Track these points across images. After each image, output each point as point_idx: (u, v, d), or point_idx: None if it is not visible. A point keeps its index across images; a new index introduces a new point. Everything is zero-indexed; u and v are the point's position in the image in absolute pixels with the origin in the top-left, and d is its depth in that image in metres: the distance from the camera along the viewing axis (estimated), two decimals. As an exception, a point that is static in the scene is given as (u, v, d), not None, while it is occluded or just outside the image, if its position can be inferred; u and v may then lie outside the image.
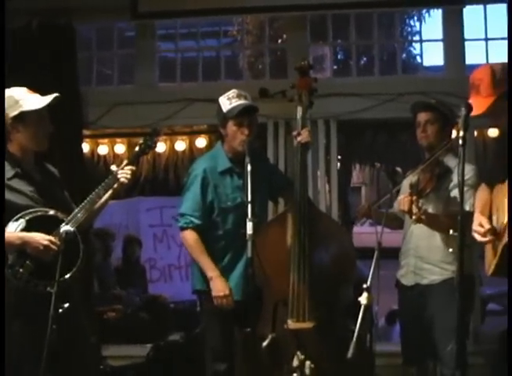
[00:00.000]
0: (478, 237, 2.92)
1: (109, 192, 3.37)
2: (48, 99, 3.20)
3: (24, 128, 3.17)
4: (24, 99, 3.17)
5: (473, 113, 2.70)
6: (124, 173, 3.37)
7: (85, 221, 3.27)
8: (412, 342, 3.84)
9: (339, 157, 6.02)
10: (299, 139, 3.72)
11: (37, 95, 3.24)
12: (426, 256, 3.75)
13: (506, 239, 2.76)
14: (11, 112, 3.14)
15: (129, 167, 3.40)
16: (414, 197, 3.35)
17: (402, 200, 3.47)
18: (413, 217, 3.34)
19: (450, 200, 3.61)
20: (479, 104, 2.89)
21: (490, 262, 2.97)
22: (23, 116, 3.15)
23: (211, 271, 3.60)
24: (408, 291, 3.84)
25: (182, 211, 3.76)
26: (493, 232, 2.87)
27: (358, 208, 4.09)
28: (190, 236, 3.71)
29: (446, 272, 3.68)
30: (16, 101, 3.16)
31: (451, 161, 3.70)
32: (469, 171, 3.49)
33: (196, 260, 3.71)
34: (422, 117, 3.83)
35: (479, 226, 2.90)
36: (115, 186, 3.36)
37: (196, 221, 3.71)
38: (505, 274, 2.84)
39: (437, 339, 3.65)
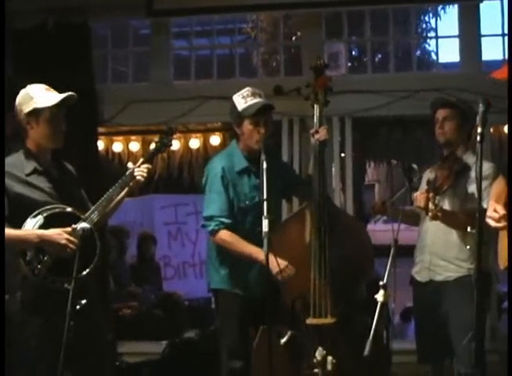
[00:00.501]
0: (492, 223, 2.88)
1: (125, 189, 3.38)
2: (60, 96, 3.21)
3: (37, 124, 3.18)
4: (39, 96, 3.18)
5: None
6: (140, 171, 3.38)
7: (102, 218, 3.29)
8: (426, 340, 3.83)
9: (353, 154, 6.00)
10: (317, 136, 3.70)
11: (55, 93, 3.25)
12: (441, 253, 3.73)
13: None
14: (25, 108, 3.16)
15: (145, 165, 3.41)
16: (431, 194, 3.33)
17: (419, 197, 3.45)
18: (429, 214, 3.33)
19: (468, 197, 3.59)
20: None
21: (503, 254, 2.95)
22: (36, 112, 3.16)
23: (262, 254, 3.34)
24: (422, 288, 3.82)
25: (211, 214, 3.65)
26: (507, 218, 2.85)
27: (372, 205, 4.08)
28: (226, 235, 3.62)
29: (462, 269, 3.67)
30: (30, 97, 3.18)
31: (470, 158, 3.67)
32: (488, 168, 3.46)
33: (241, 254, 3.58)
34: (440, 113, 3.81)
35: (494, 212, 2.88)
36: (131, 183, 3.37)
37: (227, 220, 3.63)
38: None
39: (452, 336, 3.64)
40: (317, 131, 3.70)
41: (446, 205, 3.64)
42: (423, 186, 3.65)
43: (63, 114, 3.24)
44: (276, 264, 3.42)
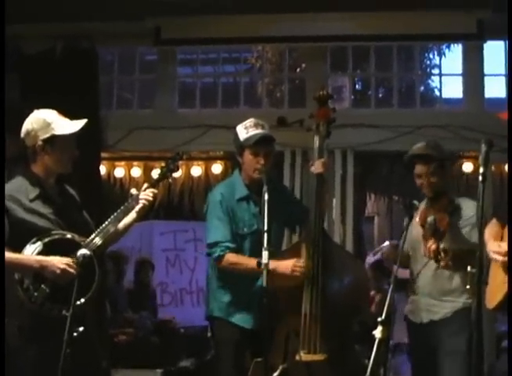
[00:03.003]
0: (499, 257, 2.90)
1: (134, 215, 3.38)
2: (79, 124, 3.23)
3: (53, 151, 3.18)
4: (56, 123, 3.19)
5: None
6: (145, 195, 3.38)
7: (107, 243, 3.28)
8: None
9: (354, 187, 6.01)
10: (312, 169, 3.74)
11: (67, 120, 3.27)
12: (435, 294, 3.71)
13: None
14: (42, 134, 3.16)
15: (151, 189, 3.42)
16: (440, 245, 3.33)
17: (429, 249, 3.45)
18: (441, 263, 3.33)
19: (461, 238, 3.58)
20: None
21: (493, 294, 2.97)
22: (54, 139, 3.17)
23: (265, 258, 3.26)
24: (420, 328, 3.79)
25: (214, 240, 3.65)
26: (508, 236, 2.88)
27: (385, 252, 4.02)
28: (232, 257, 3.61)
29: (458, 303, 3.66)
30: (48, 124, 3.18)
31: (460, 201, 3.70)
32: (474, 208, 3.44)
33: (251, 270, 3.50)
34: (420, 170, 3.72)
35: (499, 248, 2.91)
36: (138, 208, 3.36)
37: (231, 245, 3.63)
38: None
39: (448, 370, 3.60)
40: (313, 164, 3.73)
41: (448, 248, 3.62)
42: (419, 230, 3.64)
43: (75, 140, 3.27)
44: (285, 266, 3.46)
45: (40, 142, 3.17)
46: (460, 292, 3.62)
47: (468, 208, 3.61)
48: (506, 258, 2.88)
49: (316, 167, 3.71)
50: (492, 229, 3.15)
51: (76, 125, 3.22)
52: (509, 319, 3.04)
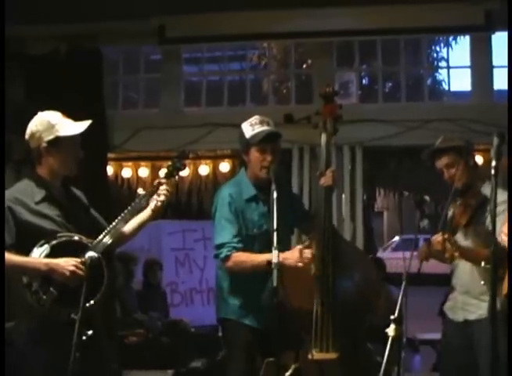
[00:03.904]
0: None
1: (149, 213, 3.35)
2: (83, 125, 3.20)
3: (57, 152, 3.16)
4: (60, 124, 3.17)
5: None
6: (162, 191, 3.34)
7: (116, 244, 3.27)
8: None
9: (363, 182, 5.97)
10: (322, 181, 3.63)
11: (71, 121, 3.24)
12: (471, 291, 3.65)
13: None
14: (46, 136, 3.14)
15: (165, 187, 3.38)
16: (446, 235, 3.26)
17: (435, 241, 3.39)
18: (446, 255, 3.27)
19: (488, 232, 3.49)
20: None
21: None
22: (58, 141, 3.15)
23: (275, 257, 3.21)
24: (456, 327, 3.73)
25: (222, 241, 3.61)
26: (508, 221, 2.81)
27: (420, 252, 3.90)
28: (238, 255, 3.57)
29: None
30: (52, 125, 3.16)
31: (487, 188, 3.54)
32: (503, 200, 3.35)
33: (258, 266, 3.45)
34: (440, 163, 3.69)
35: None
36: (154, 206, 3.33)
37: (239, 245, 3.59)
38: None
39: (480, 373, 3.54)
40: (322, 174, 3.64)
41: (469, 241, 3.55)
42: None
43: (79, 142, 3.24)
44: (291, 256, 3.40)
45: (44, 144, 3.14)
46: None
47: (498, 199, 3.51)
48: None
49: (326, 180, 3.62)
50: None
51: (80, 127, 3.19)
52: (509, 318, 2.98)
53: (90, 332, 2.89)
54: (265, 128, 3.69)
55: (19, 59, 5.62)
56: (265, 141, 3.64)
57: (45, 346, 2.98)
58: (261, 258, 3.44)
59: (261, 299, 3.53)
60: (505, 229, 2.93)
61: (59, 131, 3.15)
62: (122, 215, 3.27)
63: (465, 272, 3.62)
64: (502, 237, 2.90)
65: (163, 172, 3.51)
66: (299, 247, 3.50)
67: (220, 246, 3.62)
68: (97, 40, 5.74)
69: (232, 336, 3.72)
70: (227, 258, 3.59)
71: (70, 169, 3.23)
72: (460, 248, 3.34)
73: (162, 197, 3.34)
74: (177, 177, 3.55)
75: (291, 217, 3.80)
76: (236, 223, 3.64)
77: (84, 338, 2.83)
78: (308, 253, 3.45)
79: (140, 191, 3.42)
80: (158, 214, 3.41)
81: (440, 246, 3.32)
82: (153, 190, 3.38)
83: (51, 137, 3.14)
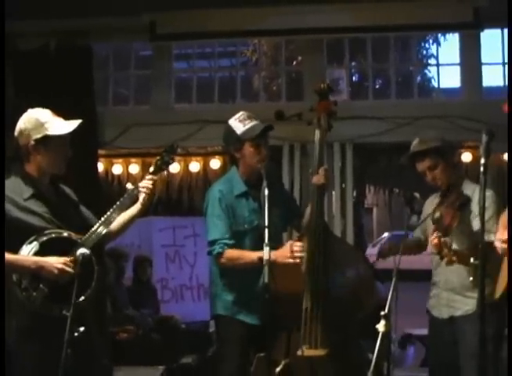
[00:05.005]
0: (503, 246, 2.89)
1: (139, 207, 3.36)
2: (72, 125, 3.18)
3: (46, 151, 3.15)
4: (49, 123, 3.15)
5: None
6: (145, 183, 3.34)
7: (109, 238, 3.30)
8: (441, 372, 3.76)
9: (354, 179, 5.99)
10: (315, 180, 3.64)
11: (61, 119, 3.22)
12: (456, 288, 3.66)
13: None
14: (35, 134, 3.12)
15: (149, 177, 3.37)
16: (443, 239, 3.27)
17: (431, 242, 3.40)
18: (445, 259, 3.28)
19: (472, 232, 3.51)
20: None
21: (501, 285, 2.93)
22: (47, 140, 3.13)
23: (266, 254, 3.22)
24: (441, 324, 3.74)
25: (214, 238, 3.63)
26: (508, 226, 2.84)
27: (382, 250, 3.93)
28: (230, 252, 3.60)
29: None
30: (41, 123, 3.14)
31: (468, 189, 3.62)
32: (487, 197, 3.39)
33: (250, 262, 3.49)
34: (421, 166, 3.68)
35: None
36: (142, 199, 3.33)
37: (230, 241, 3.62)
38: None
39: (464, 368, 3.56)
40: (315, 173, 3.65)
41: (454, 243, 3.57)
42: (429, 224, 3.59)
43: (68, 141, 3.23)
44: (283, 253, 3.42)
45: (32, 142, 3.13)
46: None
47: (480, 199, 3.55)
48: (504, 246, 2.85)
49: (318, 178, 3.63)
50: (505, 218, 3.09)
51: (70, 126, 3.18)
52: (509, 318, 3.01)
53: (82, 328, 2.90)
54: (256, 122, 3.70)
55: (9, 54, 5.59)
56: (260, 136, 3.65)
57: (36, 343, 2.98)
58: (253, 255, 3.47)
59: (254, 295, 3.55)
60: (502, 235, 2.94)
61: (48, 129, 3.13)
62: (111, 210, 3.27)
63: (450, 270, 3.59)
64: (502, 245, 2.91)
65: (152, 167, 3.50)
66: (290, 242, 3.53)
67: (212, 242, 3.64)
68: (87, 36, 5.72)
69: (226, 332, 3.73)
70: (219, 254, 3.61)
71: (58, 168, 3.22)
72: (457, 253, 3.34)
73: (147, 190, 3.32)
74: (165, 171, 3.55)
75: (283, 214, 3.81)
76: (227, 220, 3.65)
77: (75, 334, 2.84)
78: (298, 248, 3.47)
79: (129, 186, 3.41)
80: (147, 207, 3.41)
81: (436, 248, 3.34)
82: (141, 185, 3.37)
83: (39, 135, 3.12)
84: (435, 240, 3.33)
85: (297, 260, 3.45)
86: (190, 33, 5.70)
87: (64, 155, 3.21)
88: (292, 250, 3.46)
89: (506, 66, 5.66)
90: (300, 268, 3.55)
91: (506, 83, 5.68)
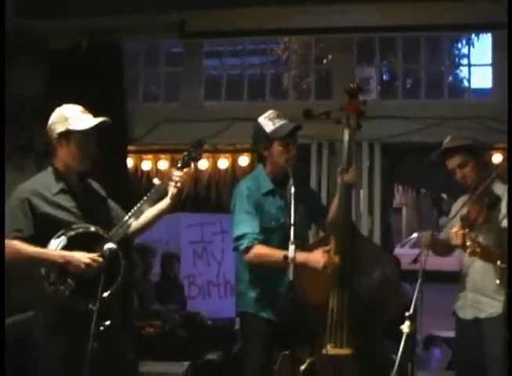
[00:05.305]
0: None
1: (168, 201, 3.37)
2: (93, 121, 3.22)
3: (67, 146, 3.19)
4: (73, 118, 3.19)
5: None
6: (175, 177, 3.34)
7: (137, 233, 3.35)
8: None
9: (382, 179, 5.97)
10: (345, 178, 3.65)
11: (89, 116, 3.26)
12: (482, 289, 3.62)
13: None
14: (58, 128, 3.17)
15: (177, 173, 3.36)
16: (467, 230, 3.25)
17: (455, 234, 3.38)
18: (468, 250, 3.26)
19: (502, 231, 3.49)
20: None
21: None
22: (69, 134, 3.18)
23: (301, 255, 3.30)
24: (466, 325, 3.71)
25: (243, 232, 3.60)
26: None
27: (422, 240, 3.91)
28: (259, 248, 3.57)
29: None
30: (65, 118, 3.19)
31: (499, 189, 3.59)
32: None
33: (274, 262, 3.46)
34: (451, 163, 3.67)
35: None
36: (171, 195, 3.34)
37: (260, 237, 3.60)
38: None
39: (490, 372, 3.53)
40: (344, 171, 3.65)
41: (482, 240, 3.54)
42: (456, 221, 3.56)
43: (94, 138, 3.25)
44: (316, 259, 3.39)
45: (55, 136, 3.18)
46: None
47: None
48: None
49: (349, 177, 3.64)
50: None
51: (91, 122, 3.20)
52: (509, 318, 2.97)
53: (107, 322, 2.93)
54: (285, 121, 3.70)
55: (42, 52, 5.67)
56: (290, 135, 3.65)
57: (62, 336, 3.02)
58: (280, 254, 3.40)
59: (279, 293, 3.56)
60: None
61: (71, 124, 3.17)
62: (138, 205, 3.29)
63: (476, 271, 3.60)
64: None
65: (179, 162, 3.51)
66: (324, 248, 3.47)
67: (240, 237, 3.61)
68: (118, 34, 5.78)
69: (250, 329, 3.75)
70: (248, 249, 3.59)
71: (82, 164, 3.24)
72: (481, 246, 3.31)
73: (178, 184, 3.34)
74: (194, 168, 3.56)
75: (309, 212, 3.81)
76: (256, 216, 3.65)
77: (101, 328, 2.87)
78: (332, 257, 3.43)
79: (156, 181, 3.42)
80: (177, 202, 3.42)
81: (460, 240, 3.31)
82: (169, 180, 3.38)
83: (61, 129, 3.17)
84: (460, 232, 3.30)
85: (328, 271, 3.41)
86: (219, 31, 5.73)
87: (87, 152, 3.22)
88: (325, 260, 3.40)
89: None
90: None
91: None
